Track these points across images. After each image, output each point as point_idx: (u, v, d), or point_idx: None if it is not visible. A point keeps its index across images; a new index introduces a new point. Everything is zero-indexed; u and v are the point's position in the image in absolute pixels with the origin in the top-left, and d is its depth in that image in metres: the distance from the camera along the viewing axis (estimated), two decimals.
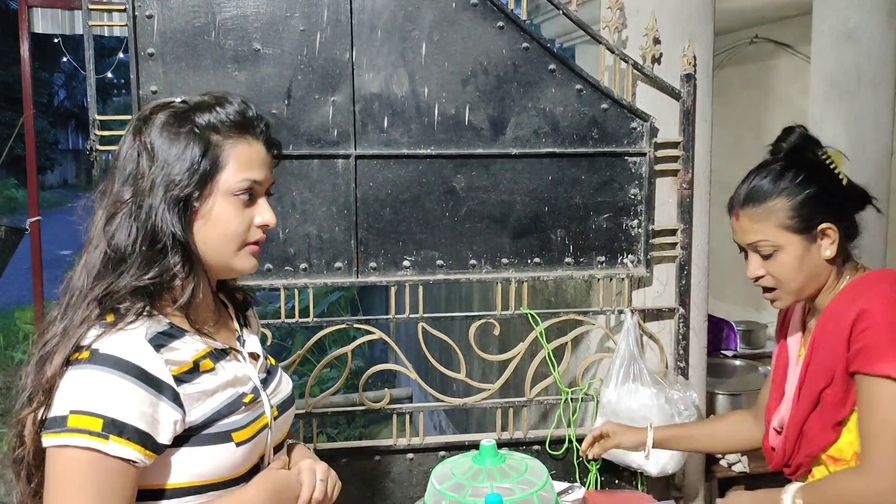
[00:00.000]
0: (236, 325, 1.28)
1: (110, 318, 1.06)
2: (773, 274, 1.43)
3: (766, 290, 1.47)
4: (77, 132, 25.38)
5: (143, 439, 1.02)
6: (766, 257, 1.43)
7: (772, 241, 1.41)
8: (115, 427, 1.00)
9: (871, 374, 1.31)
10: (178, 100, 1.16)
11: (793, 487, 1.39)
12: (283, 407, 1.27)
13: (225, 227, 1.14)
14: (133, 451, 1.01)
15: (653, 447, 1.75)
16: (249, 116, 1.16)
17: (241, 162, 1.14)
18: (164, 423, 1.05)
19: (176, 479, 1.09)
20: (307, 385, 2.18)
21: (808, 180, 1.41)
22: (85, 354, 1.03)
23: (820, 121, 3.12)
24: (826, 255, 1.40)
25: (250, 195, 1.16)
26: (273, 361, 1.32)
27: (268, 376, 1.27)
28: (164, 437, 1.05)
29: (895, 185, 3.44)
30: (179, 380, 1.07)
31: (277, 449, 1.26)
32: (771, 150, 1.50)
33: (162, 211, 1.08)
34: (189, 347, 1.11)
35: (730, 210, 1.49)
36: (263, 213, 1.18)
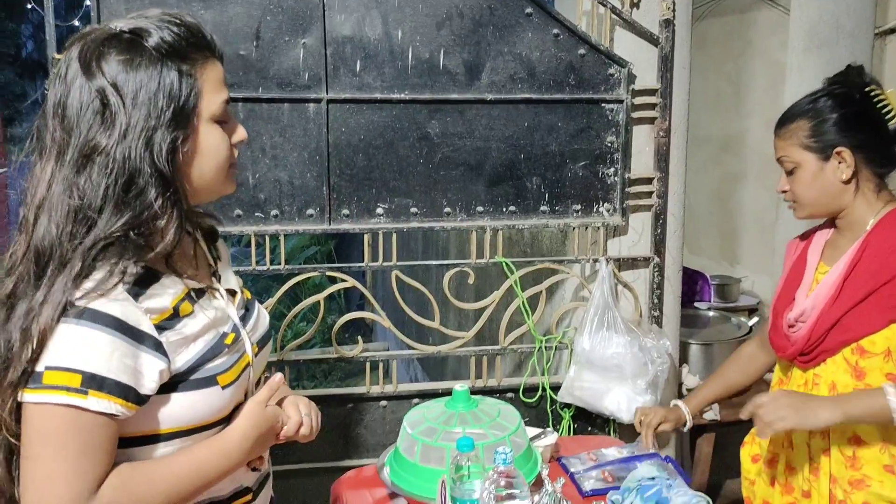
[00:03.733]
0: (210, 259, 1.24)
1: (87, 279, 1.00)
2: (792, 189, 1.58)
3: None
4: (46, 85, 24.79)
5: (124, 392, 0.99)
6: (789, 173, 1.58)
7: (791, 157, 1.56)
8: (94, 382, 0.97)
9: None
10: (120, 28, 1.05)
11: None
12: (262, 342, 1.25)
13: (216, 155, 1.11)
14: (114, 405, 0.98)
15: (690, 418, 1.86)
16: (204, 35, 1.11)
17: (214, 85, 1.10)
18: (149, 374, 1.02)
19: (165, 425, 1.07)
20: (279, 333, 2.16)
21: (834, 106, 1.52)
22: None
23: (798, 71, 3.09)
24: (841, 178, 1.51)
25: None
26: (249, 295, 1.29)
27: (246, 313, 1.24)
28: (149, 388, 1.02)
29: None
30: (161, 328, 1.04)
31: (256, 385, 1.24)
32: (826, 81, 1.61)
33: (147, 154, 1.02)
34: (167, 291, 1.07)
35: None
36: (238, 130, 1.15)
